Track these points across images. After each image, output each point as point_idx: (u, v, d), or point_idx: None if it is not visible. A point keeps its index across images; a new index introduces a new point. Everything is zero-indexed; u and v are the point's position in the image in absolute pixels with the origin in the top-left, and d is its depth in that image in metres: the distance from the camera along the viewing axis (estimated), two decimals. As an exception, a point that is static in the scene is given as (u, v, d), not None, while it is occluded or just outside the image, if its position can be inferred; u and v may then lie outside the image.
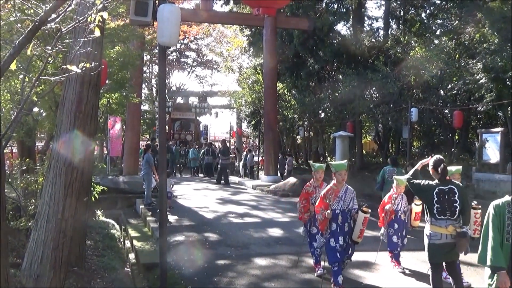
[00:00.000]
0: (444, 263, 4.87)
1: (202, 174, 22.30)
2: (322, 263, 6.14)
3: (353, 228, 5.30)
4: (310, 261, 6.36)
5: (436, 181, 4.67)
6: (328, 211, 5.25)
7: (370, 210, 5.30)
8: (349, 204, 5.42)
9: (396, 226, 6.50)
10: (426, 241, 4.70)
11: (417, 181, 4.77)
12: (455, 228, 4.49)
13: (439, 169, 4.65)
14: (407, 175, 4.98)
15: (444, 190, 4.57)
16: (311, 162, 6.89)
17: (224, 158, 18.19)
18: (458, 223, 4.55)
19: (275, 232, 8.82)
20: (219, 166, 21.78)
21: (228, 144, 22.26)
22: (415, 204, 6.38)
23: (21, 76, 5.45)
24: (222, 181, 17.89)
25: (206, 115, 32.16)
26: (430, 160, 4.80)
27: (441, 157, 4.81)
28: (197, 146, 24.05)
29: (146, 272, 6.45)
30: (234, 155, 25.72)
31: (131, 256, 7.56)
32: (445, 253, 4.62)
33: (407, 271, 6.37)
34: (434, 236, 4.57)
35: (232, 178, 20.00)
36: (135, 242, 7.88)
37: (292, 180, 15.04)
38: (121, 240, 8.87)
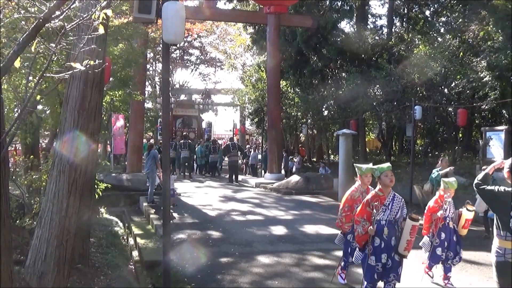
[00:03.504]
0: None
1: (203, 172, 21.70)
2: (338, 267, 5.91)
3: (400, 239, 4.54)
4: (313, 260, 6.34)
5: None
6: (371, 227, 4.53)
7: (420, 218, 4.65)
8: (396, 213, 4.62)
9: (442, 235, 5.67)
10: (495, 258, 3.86)
11: (490, 187, 3.94)
12: None
13: None
14: (476, 180, 4.07)
15: None
16: (356, 164, 5.88)
17: (231, 156, 18.14)
18: None
19: (278, 230, 8.82)
20: (219, 165, 21.65)
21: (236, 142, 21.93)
22: (467, 209, 5.59)
23: (25, 74, 5.46)
24: (234, 180, 17.76)
25: (209, 112, 32.11)
26: (506, 162, 4.01)
27: None
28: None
29: (149, 269, 6.47)
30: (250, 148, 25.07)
31: (135, 253, 7.58)
32: None
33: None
34: (508, 254, 3.78)
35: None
36: (138, 239, 7.91)
37: (295, 178, 15.03)
38: (125, 237, 8.89)
